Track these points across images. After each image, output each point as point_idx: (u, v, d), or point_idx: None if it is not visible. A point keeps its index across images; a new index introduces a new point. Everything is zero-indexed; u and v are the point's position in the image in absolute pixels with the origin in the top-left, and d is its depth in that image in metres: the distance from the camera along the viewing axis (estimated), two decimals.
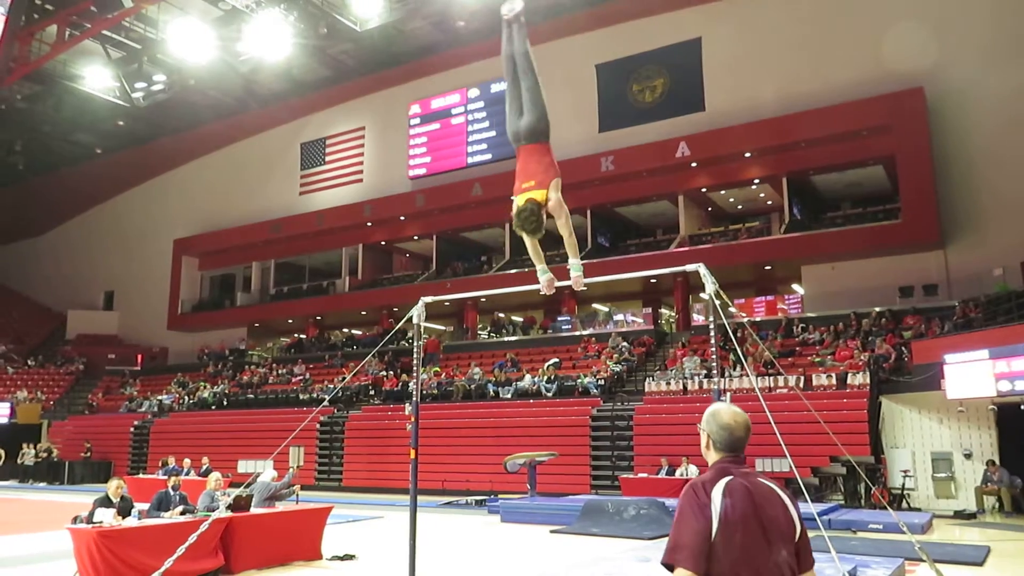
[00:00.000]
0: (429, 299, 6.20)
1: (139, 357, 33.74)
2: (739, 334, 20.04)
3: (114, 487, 8.17)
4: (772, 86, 22.30)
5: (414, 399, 6.27)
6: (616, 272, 21.19)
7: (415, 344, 6.37)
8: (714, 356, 5.22)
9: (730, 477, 2.32)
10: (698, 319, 24.86)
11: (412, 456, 6.21)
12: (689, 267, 5.12)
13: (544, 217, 5.13)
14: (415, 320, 6.22)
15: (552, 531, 12.52)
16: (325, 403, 10.50)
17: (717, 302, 4.96)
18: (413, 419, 6.28)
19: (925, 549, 6.26)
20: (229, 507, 8.47)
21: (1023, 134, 19.03)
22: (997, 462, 14.75)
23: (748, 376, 16.77)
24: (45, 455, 25.60)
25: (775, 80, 22.32)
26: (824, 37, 21.92)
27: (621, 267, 22.44)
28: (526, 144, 5.31)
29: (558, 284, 5.54)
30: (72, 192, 37.12)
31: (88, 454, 25.65)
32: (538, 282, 5.41)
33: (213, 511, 8.70)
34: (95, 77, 28.23)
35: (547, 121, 5.33)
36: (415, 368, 6.43)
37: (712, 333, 5.22)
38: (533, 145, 5.29)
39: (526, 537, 12.12)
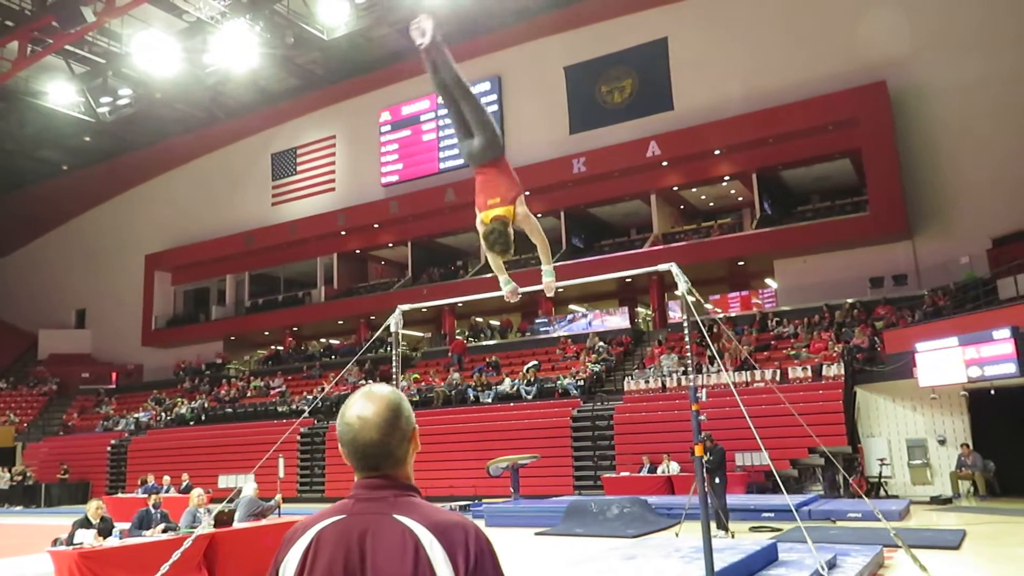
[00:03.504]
0: (406, 307, 6.24)
1: (114, 375, 33.29)
2: (715, 330, 20.27)
3: (93, 508, 8.10)
4: (739, 83, 22.56)
5: None
6: (592, 273, 21.31)
7: (394, 352, 6.40)
8: (689, 353, 5.31)
9: (335, 519, 1.56)
10: (675, 316, 25.05)
11: None
12: (662, 267, 5.21)
13: (512, 235, 5.18)
14: (392, 328, 6.25)
15: (537, 533, 12.57)
16: (305, 414, 10.44)
17: (691, 299, 5.05)
18: None
19: (900, 535, 6.39)
20: (212, 523, 8.43)
21: (985, 124, 19.42)
22: (971, 446, 15.03)
23: (724, 372, 16.93)
24: (19, 478, 25.18)
25: (741, 77, 22.59)
26: (788, 33, 22.23)
27: (596, 268, 22.56)
28: (483, 164, 5.30)
29: (531, 288, 5.65)
30: (39, 210, 36.54)
31: (65, 475, 25.28)
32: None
33: (196, 528, 8.66)
34: (59, 93, 27.82)
35: (499, 138, 5.31)
36: (394, 375, 6.46)
37: (686, 331, 5.31)
38: (490, 163, 5.26)
39: (512, 540, 12.15)
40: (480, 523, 14.26)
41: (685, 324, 5.24)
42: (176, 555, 5.86)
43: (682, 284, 5.08)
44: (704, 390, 16.32)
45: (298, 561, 1.55)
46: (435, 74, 5.27)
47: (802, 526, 6.05)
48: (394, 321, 6.19)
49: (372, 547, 1.49)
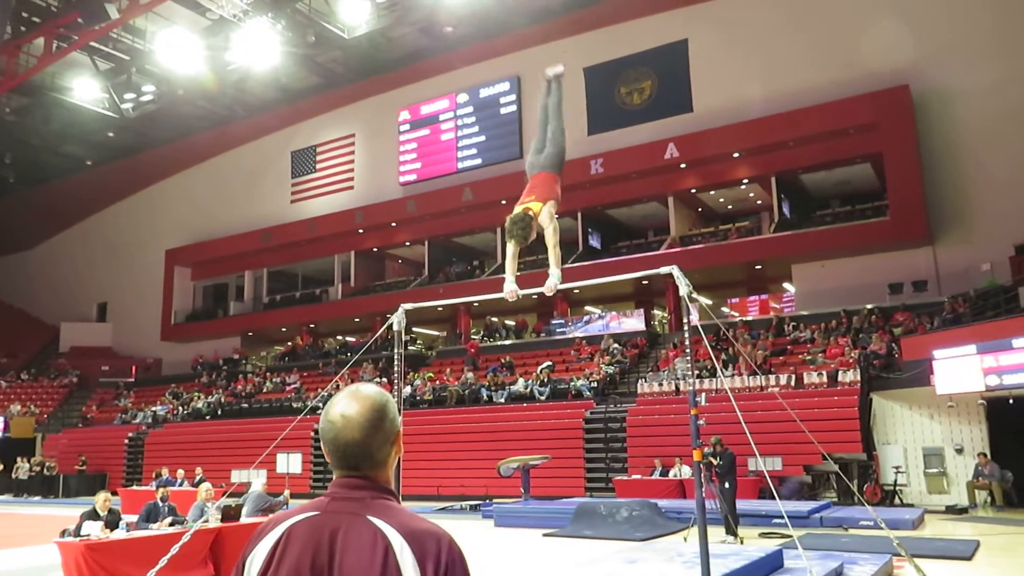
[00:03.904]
0: (409, 306, 6.24)
1: (133, 368, 33.66)
2: (731, 334, 20.13)
3: (101, 500, 8.17)
4: (759, 86, 22.39)
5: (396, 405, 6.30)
6: (608, 274, 21.36)
7: (396, 351, 6.41)
8: (688, 357, 5.26)
9: (308, 515, 1.54)
10: (690, 319, 24.89)
11: None
12: (663, 269, 5.17)
13: (532, 229, 5.54)
14: (395, 327, 6.25)
15: (545, 534, 12.53)
16: (305, 413, 10.45)
17: (694, 302, 5.01)
18: None
19: (908, 544, 6.30)
20: (219, 518, 8.48)
21: (1008, 129, 19.14)
22: (988, 456, 14.80)
23: (725, 377, 16.84)
24: (38, 469, 25.51)
25: (762, 80, 22.42)
26: (809, 36, 22.03)
27: (612, 269, 22.51)
28: (539, 172, 5.93)
29: (540, 289, 5.70)
30: (63, 204, 37.06)
31: (83, 467, 25.59)
32: (537, 285, 5.88)
33: (206, 522, 8.71)
34: (84, 89, 28.20)
35: (563, 158, 6.02)
36: (396, 374, 6.46)
37: (687, 334, 5.26)
38: (545, 174, 5.89)
39: (519, 541, 12.14)
40: (489, 523, 14.31)
41: (686, 328, 5.20)
42: (175, 549, 5.90)
43: (683, 287, 5.05)
44: (704, 394, 16.20)
45: (266, 555, 1.52)
46: (546, 96, 6.30)
47: (794, 534, 5.99)
48: (396, 320, 6.19)
49: (342, 546, 1.47)
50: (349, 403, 1.58)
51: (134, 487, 21.32)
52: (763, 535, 11.66)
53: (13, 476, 25.53)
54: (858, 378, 16.40)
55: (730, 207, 25.73)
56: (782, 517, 12.19)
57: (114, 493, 21.47)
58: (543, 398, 20.14)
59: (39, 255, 39.81)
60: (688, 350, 5.31)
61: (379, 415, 1.58)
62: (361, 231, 28.95)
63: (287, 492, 10.56)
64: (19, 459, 25.97)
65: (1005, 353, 13.37)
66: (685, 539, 10.58)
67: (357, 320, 29.98)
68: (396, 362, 6.46)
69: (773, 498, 14.58)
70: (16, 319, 38.43)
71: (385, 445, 1.59)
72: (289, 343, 31.58)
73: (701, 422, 4.80)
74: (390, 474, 1.62)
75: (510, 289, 5.52)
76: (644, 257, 23.10)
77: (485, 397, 21.17)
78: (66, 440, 27.97)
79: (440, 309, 26.00)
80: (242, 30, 24.66)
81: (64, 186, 36.12)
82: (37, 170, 34.98)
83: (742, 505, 11.99)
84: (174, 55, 25.67)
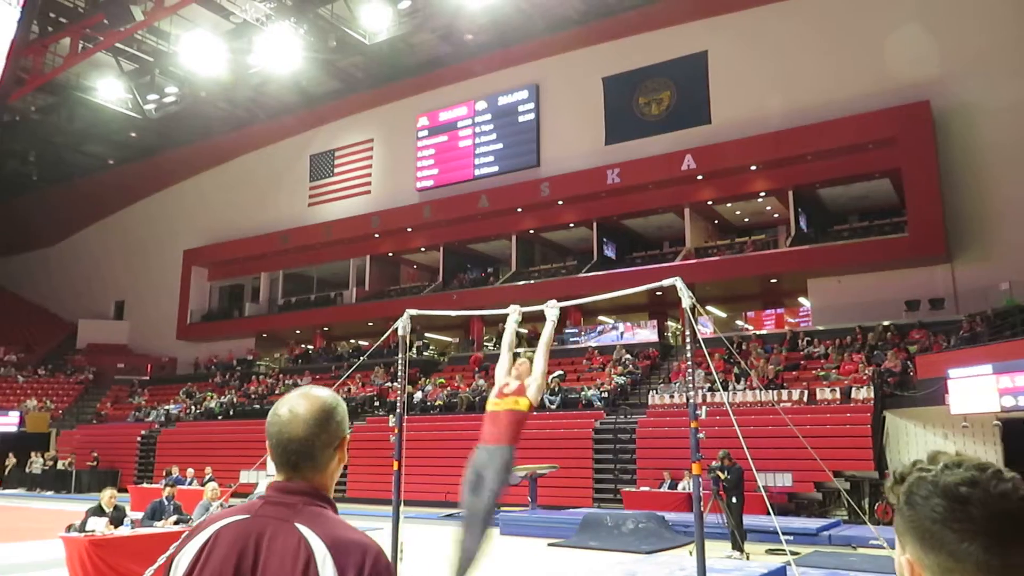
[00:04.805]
0: (415, 312, 6.24)
1: (148, 367, 33.93)
2: (744, 347, 20.03)
3: (107, 496, 8.23)
4: (778, 99, 22.28)
5: (399, 411, 6.31)
6: (622, 285, 21.24)
7: (400, 356, 6.41)
8: (690, 369, 5.22)
9: (238, 518, 1.51)
10: (704, 331, 24.75)
11: (395, 468, 6.25)
12: (666, 282, 5.14)
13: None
14: (400, 332, 6.25)
15: (550, 544, 12.48)
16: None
17: (696, 316, 4.98)
18: (397, 431, 6.31)
19: None
20: None
21: None
22: None
23: (751, 390, 16.73)
24: (51, 463, 25.73)
25: (781, 93, 22.31)
26: (830, 50, 21.90)
27: (627, 279, 22.45)
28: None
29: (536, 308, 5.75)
30: (84, 202, 37.50)
31: (95, 463, 25.79)
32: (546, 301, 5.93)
33: None
34: (108, 89, 28.57)
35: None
36: (401, 379, 6.47)
37: (688, 348, 5.23)
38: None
39: (523, 550, 12.08)
40: (494, 531, 14.21)
41: (688, 340, 5.17)
42: (173, 547, 5.91)
43: (686, 300, 5.02)
44: (705, 407, 16.10)
45: (192, 557, 1.50)
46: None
47: (790, 553, 5.91)
48: (401, 324, 6.20)
49: (267, 553, 1.44)
50: (299, 401, 1.58)
51: (144, 485, 21.45)
52: (770, 551, 11.54)
53: (27, 470, 25.78)
54: (871, 395, 16.22)
55: (747, 220, 25.60)
56: (791, 534, 12.10)
57: (124, 490, 21.65)
58: (553, 407, 20.07)
59: (59, 252, 40.26)
60: (690, 362, 5.27)
61: (326, 416, 1.57)
62: (377, 236, 29.05)
63: None
64: (33, 454, 26.22)
65: (1021, 374, 13.17)
66: (690, 553, 10.47)
67: (371, 324, 30.02)
68: (401, 367, 6.48)
69: (781, 514, 14.47)
70: (35, 315, 38.88)
71: (328, 448, 1.57)
72: (303, 345, 31.71)
73: (701, 435, 4.76)
74: (329, 481, 1.60)
75: (514, 307, 5.63)
76: (659, 268, 23.02)
77: None
78: (80, 436, 28.21)
79: (453, 315, 26.02)
80: (265, 34, 24.90)
81: (86, 185, 36.56)
82: (60, 168, 35.45)
83: (751, 521, 11.88)
84: (197, 57, 25.98)
